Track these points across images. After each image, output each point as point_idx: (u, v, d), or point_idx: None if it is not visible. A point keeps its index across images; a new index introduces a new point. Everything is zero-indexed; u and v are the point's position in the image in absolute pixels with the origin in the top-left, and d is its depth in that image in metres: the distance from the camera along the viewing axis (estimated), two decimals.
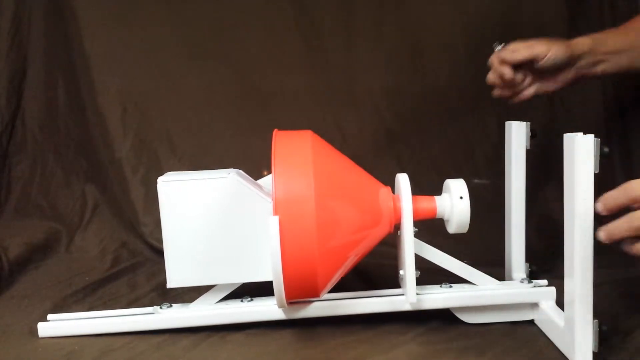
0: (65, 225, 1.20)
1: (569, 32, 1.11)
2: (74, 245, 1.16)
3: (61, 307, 0.89)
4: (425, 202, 0.77)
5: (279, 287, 0.70)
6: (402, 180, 0.75)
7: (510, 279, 0.88)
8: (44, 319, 0.81)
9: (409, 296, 0.75)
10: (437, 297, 0.79)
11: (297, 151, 0.74)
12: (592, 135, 0.64)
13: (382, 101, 1.23)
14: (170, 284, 0.79)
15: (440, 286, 0.81)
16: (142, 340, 0.78)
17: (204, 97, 1.25)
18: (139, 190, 1.20)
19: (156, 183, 0.78)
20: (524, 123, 0.85)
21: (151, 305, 0.83)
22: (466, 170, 1.20)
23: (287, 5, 1.24)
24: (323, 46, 1.22)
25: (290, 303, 0.75)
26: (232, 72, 1.25)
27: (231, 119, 1.25)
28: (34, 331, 0.80)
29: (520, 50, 0.85)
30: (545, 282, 0.82)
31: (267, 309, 0.79)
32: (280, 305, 0.74)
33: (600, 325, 0.67)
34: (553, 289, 0.79)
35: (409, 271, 0.74)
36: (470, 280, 0.80)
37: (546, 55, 0.84)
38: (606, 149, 0.64)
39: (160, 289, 0.96)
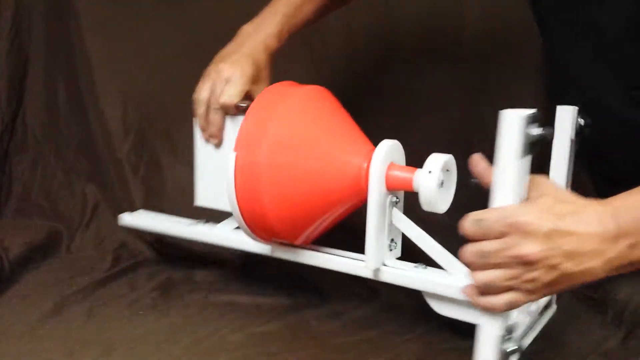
0: (65, 225, 1.20)
1: None
2: (75, 245, 1.16)
3: (61, 307, 0.89)
4: (402, 171, 0.74)
5: (238, 218, 0.76)
6: (381, 145, 0.73)
7: None
8: (44, 319, 0.81)
9: (369, 262, 0.74)
10: (400, 274, 0.75)
11: (281, 96, 0.77)
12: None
13: (382, 100, 1.23)
14: (197, 202, 0.90)
15: (415, 266, 0.76)
16: (143, 340, 0.78)
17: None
18: (140, 190, 1.20)
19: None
20: (572, 107, 0.72)
21: (153, 305, 0.83)
22: (466, 169, 1.19)
23: None
24: (323, 45, 1.21)
25: (272, 241, 0.81)
26: None
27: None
28: (34, 331, 0.79)
29: None
30: None
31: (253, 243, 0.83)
32: (248, 235, 0.79)
33: None
34: None
35: (370, 235, 0.73)
36: (442, 265, 0.74)
37: None
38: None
39: (161, 288, 0.96)
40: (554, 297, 0.80)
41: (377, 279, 0.77)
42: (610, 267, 0.54)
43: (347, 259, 0.79)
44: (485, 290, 0.56)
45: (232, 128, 0.85)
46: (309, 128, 0.76)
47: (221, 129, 0.85)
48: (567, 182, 0.72)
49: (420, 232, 0.74)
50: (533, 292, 0.55)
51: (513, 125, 0.55)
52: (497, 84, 1.18)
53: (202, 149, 0.88)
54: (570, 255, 0.53)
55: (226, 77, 0.82)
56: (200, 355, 0.74)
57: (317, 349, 0.75)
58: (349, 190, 0.75)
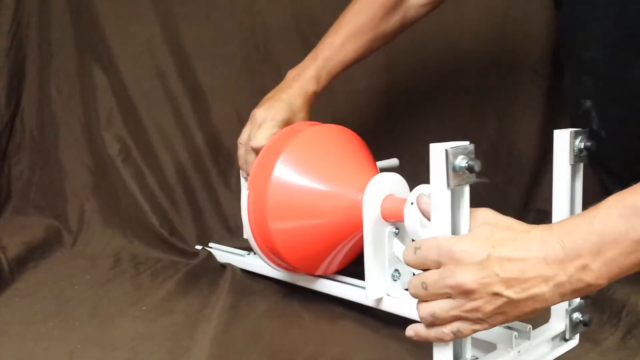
0: (65, 225, 1.20)
1: None
2: (75, 244, 1.16)
3: (63, 306, 0.89)
4: (395, 202, 0.74)
5: (256, 250, 0.84)
6: (376, 177, 0.75)
7: None
8: (46, 317, 0.81)
9: (368, 292, 0.76)
10: (401, 304, 0.75)
11: (288, 136, 0.82)
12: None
13: (382, 101, 1.24)
14: (245, 236, 0.87)
15: None
16: (145, 341, 0.78)
17: (203, 97, 1.26)
18: (139, 188, 1.20)
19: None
20: (569, 130, 0.67)
21: (156, 304, 0.84)
22: None
23: (286, 4, 1.24)
24: None
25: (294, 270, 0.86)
26: (231, 71, 1.25)
27: (230, 118, 1.25)
28: (36, 330, 0.80)
29: None
30: None
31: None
32: (266, 263, 0.87)
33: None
34: None
35: (368, 265, 0.74)
36: None
37: None
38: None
39: (164, 287, 0.95)
40: None
41: (379, 308, 0.78)
42: (562, 291, 0.52)
43: (351, 286, 0.83)
44: (432, 322, 0.54)
45: None
46: (310, 165, 0.79)
47: None
48: (572, 203, 0.68)
49: None
50: (482, 321, 0.53)
51: (439, 157, 0.54)
52: (497, 84, 1.19)
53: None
54: (510, 281, 0.51)
55: (259, 122, 0.87)
56: (202, 354, 0.74)
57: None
58: (349, 222, 0.77)
